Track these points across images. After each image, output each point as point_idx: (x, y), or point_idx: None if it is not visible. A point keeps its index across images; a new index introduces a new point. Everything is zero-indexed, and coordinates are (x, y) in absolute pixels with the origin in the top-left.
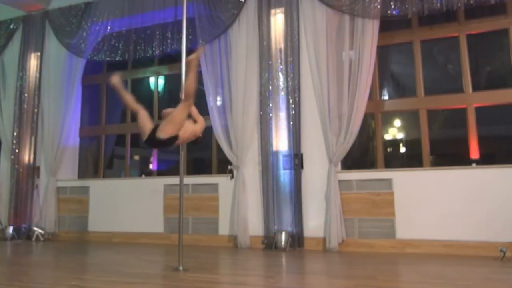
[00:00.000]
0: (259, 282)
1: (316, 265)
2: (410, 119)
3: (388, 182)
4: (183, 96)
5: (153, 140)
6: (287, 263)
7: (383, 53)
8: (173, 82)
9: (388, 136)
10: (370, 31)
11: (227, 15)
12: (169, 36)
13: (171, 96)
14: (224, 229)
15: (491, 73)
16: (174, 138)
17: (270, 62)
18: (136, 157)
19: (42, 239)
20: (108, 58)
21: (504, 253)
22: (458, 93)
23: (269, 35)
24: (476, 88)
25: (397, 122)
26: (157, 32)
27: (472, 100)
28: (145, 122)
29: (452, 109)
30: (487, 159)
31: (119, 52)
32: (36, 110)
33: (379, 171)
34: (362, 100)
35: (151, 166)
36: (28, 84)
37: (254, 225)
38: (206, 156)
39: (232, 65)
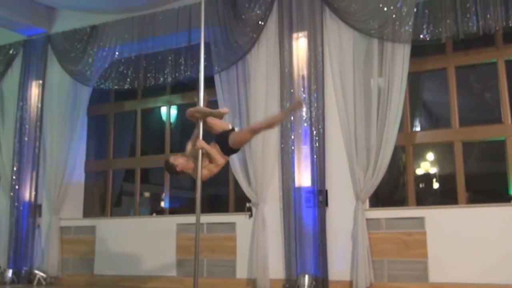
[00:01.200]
0: None
1: None
2: (444, 152)
3: (420, 220)
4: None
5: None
6: None
7: (414, 80)
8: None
9: (420, 171)
10: (400, 56)
11: (245, 39)
12: (183, 62)
13: (185, 127)
14: (242, 272)
15: None
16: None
17: (292, 90)
18: (147, 194)
19: (44, 283)
20: (116, 86)
21: None
22: (496, 124)
23: (291, 61)
24: None
25: (430, 156)
26: (169, 58)
27: (511, 131)
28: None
29: (489, 141)
30: None
31: (128, 79)
32: (37, 143)
33: (410, 208)
34: (392, 132)
35: (162, 204)
36: (29, 114)
37: (275, 268)
38: (222, 193)
39: (250, 93)
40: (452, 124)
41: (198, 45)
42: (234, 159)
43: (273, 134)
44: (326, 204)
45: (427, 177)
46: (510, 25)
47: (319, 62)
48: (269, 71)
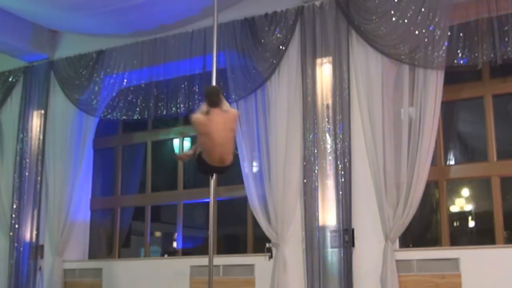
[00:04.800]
0: None
1: None
2: (481, 188)
3: (455, 262)
4: None
5: None
6: None
7: (448, 109)
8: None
9: (454, 208)
10: (433, 84)
11: (265, 65)
12: (197, 90)
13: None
14: None
15: None
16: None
17: (315, 121)
18: (158, 234)
19: None
20: (124, 117)
21: None
22: None
23: (314, 89)
24: None
25: (465, 192)
26: (183, 86)
27: None
28: None
29: None
30: None
31: (137, 109)
32: (39, 178)
33: (444, 249)
34: (424, 166)
35: (175, 244)
36: (30, 147)
37: None
38: (240, 232)
39: (270, 124)
40: (489, 157)
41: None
42: (253, 196)
43: (295, 168)
44: (353, 245)
45: (462, 215)
46: None
47: (345, 90)
48: (290, 100)
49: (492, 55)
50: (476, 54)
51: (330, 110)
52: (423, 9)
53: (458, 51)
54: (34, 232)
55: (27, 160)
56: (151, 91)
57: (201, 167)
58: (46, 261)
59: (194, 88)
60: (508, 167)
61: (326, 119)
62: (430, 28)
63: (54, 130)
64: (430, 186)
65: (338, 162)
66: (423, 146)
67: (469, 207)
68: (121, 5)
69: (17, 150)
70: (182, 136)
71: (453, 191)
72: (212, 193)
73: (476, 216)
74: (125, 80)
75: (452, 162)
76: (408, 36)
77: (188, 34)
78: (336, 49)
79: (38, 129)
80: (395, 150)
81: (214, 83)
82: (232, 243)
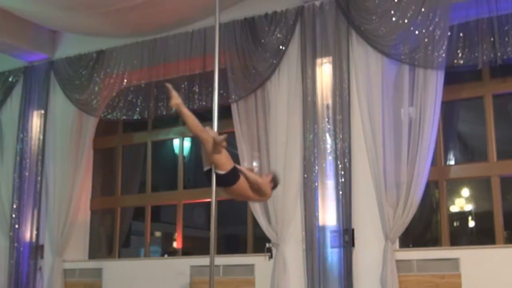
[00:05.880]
0: None
1: None
2: (481, 188)
3: (455, 262)
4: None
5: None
6: None
7: (448, 109)
8: (200, 145)
9: (454, 208)
10: (433, 84)
11: (265, 65)
12: (197, 90)
13: (199, 161)
14: None
15: None
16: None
17: (315, 121)
18: (158, 234)
19: None
20: (124, 117)
21: None
22: None
23: (314, 89)
24: None
25: (465, 192)
26: (183, 86)
27: None
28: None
29: None
30: None
31: (138, 109)
32: (39, 178)
33: (444, 249)
34: (424, 166)
35: (175, 244)
36: (30, 147)
37: None
38: (240, 232)
39: (270, 124)
40: (489, 157)
41: (214, 71)
42: None
43: (295, 168)
44: (353, 245)
45: (462, 215)
46: None
47: (345, 90)
48: (290, 100)
49: (492, 55)
50: (476, 54)
51: (330, 110)
52: (423, 9)
53: (458, 51)
54: (34, 232)
55: (27, 160)
56: (151, 91)
57: (228, 179)
58: (46, 261)
59: (194, 88)
60: (508, 167)
61: (326, 119)
62: (430, 28)
63: (54, 130)
64: (430, 186)
65: (338, 162)
66: (423, 146)
67: (469, 207)
68: (121, 5)
69: (17, 150)
70: (182, 136)
71: (453, 191)
72: (213, 193)
73: (476, 216)
74: (125, 80)
75: (452, 162)
76: (408, 36)
77: (188, 34)
78: (336, 49)
79: (38, 129)
80: (395, 150)
81: (216, 83)
82: (232, 243)
